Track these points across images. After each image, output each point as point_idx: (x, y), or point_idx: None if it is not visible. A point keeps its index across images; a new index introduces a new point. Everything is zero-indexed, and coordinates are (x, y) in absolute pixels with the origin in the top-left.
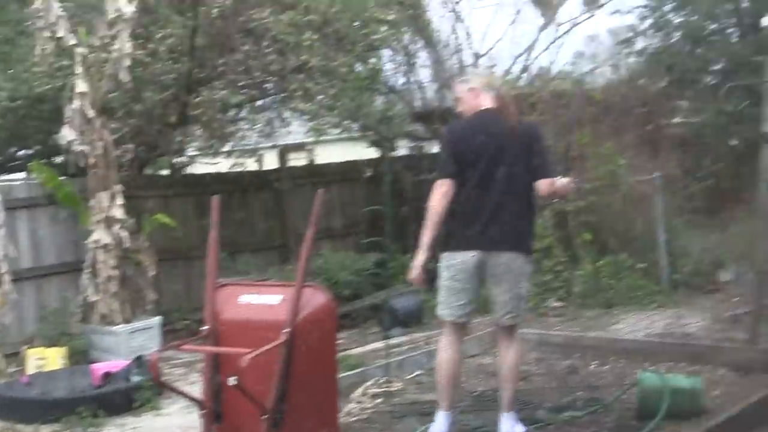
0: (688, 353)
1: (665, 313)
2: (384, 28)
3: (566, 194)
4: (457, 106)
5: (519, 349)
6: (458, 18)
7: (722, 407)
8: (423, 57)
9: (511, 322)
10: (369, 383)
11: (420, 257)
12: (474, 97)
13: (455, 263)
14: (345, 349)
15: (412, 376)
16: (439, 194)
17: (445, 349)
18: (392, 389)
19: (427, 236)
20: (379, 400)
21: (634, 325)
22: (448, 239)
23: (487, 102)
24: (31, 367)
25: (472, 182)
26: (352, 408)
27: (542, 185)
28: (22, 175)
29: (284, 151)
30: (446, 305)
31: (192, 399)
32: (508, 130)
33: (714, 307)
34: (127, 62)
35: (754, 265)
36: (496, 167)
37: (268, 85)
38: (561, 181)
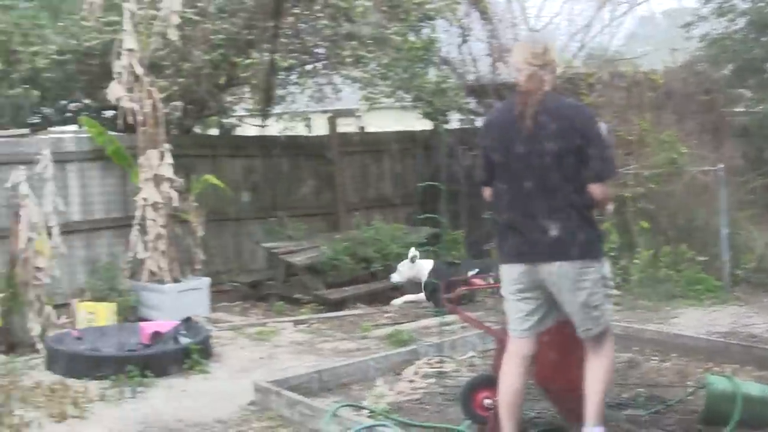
0: (756, 357)
1: (727, 310)
2: None
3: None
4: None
5: (605, 362)
6: None
7: None
8: (478, 30)
9: (585, 336)
10: (421, 362)
11: None
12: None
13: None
14: (396, 323)
15: (465, 357)
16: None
17: (505, 373)
18: (445, 370)
19: None
20: (431, 380)
21: (695, 321)
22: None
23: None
24: (81, 320)
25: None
26: (404, 387)
27: (595, 191)
28: (72, 128)
29: (334, 118)
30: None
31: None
32: (521, 117)
33: None
34: (176, 20)
35: None
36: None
37: (319, 50)
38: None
